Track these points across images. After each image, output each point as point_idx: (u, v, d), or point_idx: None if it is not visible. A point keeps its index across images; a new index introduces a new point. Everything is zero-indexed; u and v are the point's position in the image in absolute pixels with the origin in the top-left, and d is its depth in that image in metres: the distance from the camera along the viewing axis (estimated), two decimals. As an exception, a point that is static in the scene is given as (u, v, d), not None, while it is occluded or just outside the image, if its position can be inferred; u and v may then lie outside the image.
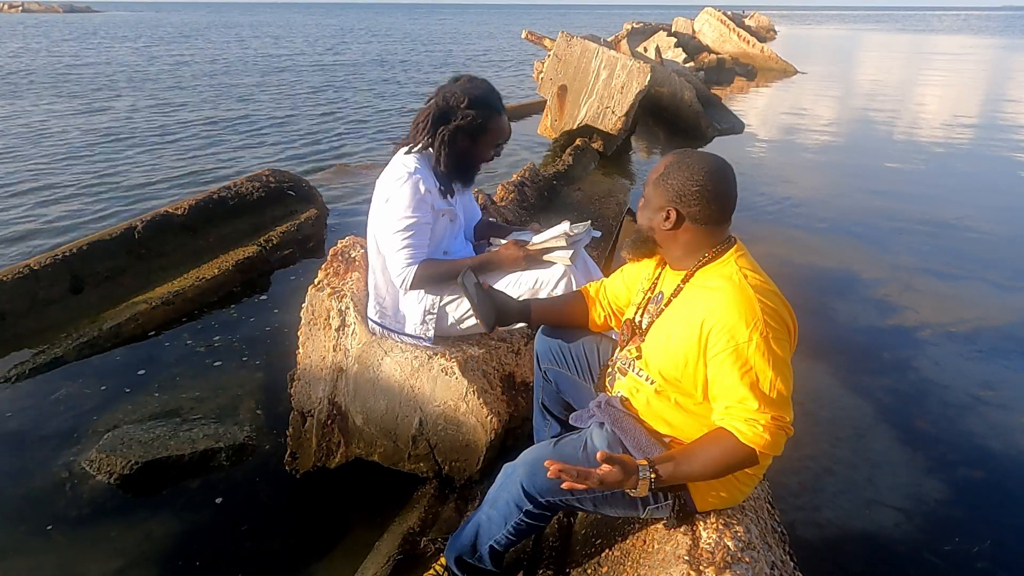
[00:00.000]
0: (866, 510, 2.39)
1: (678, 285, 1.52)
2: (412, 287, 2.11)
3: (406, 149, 2.12)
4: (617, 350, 1.69)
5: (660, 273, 1.62)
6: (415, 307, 2.16)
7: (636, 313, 1.64)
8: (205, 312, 3.73)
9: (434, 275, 2.10)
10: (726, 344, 1.36)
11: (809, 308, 3.80)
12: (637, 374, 1.57)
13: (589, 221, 2.22)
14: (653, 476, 1.39)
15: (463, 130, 2.08)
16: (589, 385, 1.83)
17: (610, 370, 1.71)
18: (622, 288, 1.78)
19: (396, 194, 2.05)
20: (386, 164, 2.18)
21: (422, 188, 2.04)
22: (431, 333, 2.17)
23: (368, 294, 2.26)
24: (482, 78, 2.16)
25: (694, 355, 1.42)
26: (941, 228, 5.50)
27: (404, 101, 11.79)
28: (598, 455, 1.37)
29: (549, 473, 1.35)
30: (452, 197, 2.20)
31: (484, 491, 1.77)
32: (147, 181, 6.44)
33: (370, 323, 2.23)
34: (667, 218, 1.48)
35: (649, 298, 1.62)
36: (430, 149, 2.12)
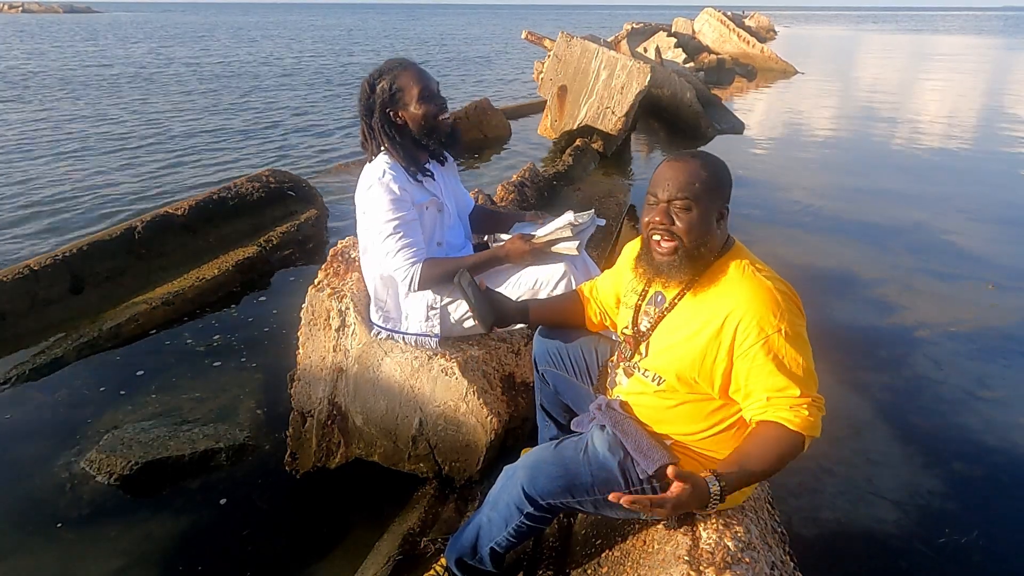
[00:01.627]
0: (865, 509, 2.39)
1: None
2: (419, 287, 2.08)
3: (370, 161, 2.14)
4: (618, 352, 1.69)
5: None
6: (418, 303, 2.15)
7: (633, 315, 1.62)
8: (205, 312, 3.73)
9: (440, 275, 2.07)
10: (757, 337, 1.36)
11: (809, 308, 3.76)
12: (643, 375, 1.56)
13: (592, 210, 2.21)
14: (723, 484, 1.32)
15: (386, 103, 2.07)
16: (587, 387, 1.82)
17: (610, 372, 1.70)
18: (611, 288, 1.78)
19: (371, 202, 2.05)
20: None
21: (395, 188, 2.03)
22: (437, 329, 2.15)
23: (370, 298, 2.26)
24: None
25: (714, 350, 1.41)
26: (941, 228, 5.49)
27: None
28: (669, 471, 1.29)
29: (622, 502, 1.27)
30: (434, 180, 2.18)
31: (484, 491, 1.77)
32: (147, 181, 6.44)
33: (375, 328, 2.22)
34: (720, 218, 1.46)
35: (647, 298, 1.60)
36: (386, 151, 2.12)
